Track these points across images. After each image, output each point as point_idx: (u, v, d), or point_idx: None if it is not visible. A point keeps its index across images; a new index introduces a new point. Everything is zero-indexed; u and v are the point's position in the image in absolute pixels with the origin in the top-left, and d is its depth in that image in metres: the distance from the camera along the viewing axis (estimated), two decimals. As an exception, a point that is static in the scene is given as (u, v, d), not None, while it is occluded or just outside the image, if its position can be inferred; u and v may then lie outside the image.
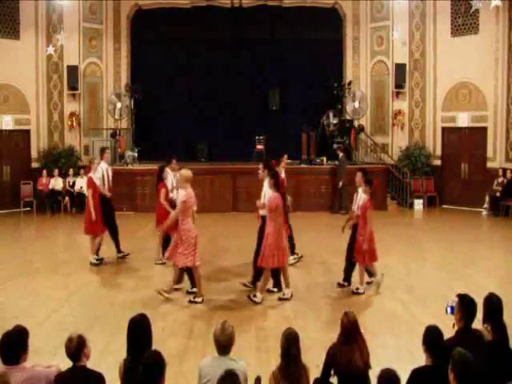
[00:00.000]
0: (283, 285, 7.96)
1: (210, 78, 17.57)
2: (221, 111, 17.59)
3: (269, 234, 7.57)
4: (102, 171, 9.85)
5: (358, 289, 8.08)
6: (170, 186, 9.47)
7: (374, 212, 9.71)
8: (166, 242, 9.38)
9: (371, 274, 8.23)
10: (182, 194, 7.53)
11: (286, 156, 9.93)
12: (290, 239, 9.36)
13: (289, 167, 15.80)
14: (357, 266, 8.23)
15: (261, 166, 8.63)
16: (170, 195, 9.34)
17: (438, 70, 16.54)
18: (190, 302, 7.72)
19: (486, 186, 15.31)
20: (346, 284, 8.34)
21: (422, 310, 7.33)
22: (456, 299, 4.44)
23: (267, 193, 7.94)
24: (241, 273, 9.23)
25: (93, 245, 9.79)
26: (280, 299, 7.84)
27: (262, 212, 8.15)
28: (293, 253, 9.57)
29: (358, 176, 8.24)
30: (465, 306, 4.35)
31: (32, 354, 4.20)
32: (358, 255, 8.02)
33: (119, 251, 10.19)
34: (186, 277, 8.10)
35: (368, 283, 8.25)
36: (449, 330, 4.39)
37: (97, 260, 9.79)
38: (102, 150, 10.31)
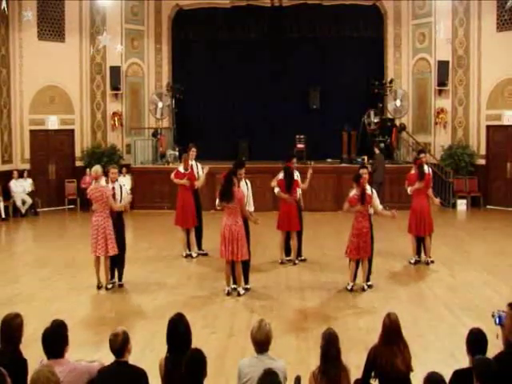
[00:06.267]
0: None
1: (249, 78, 17.59)
2: (260, 110, 17.60)
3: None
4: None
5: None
6: None
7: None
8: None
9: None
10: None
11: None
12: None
13: (328, 166, 15.99)
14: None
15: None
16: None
17: (482, 66, 16.07)
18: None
19: (533, 186, 14.89)
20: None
21: (467, 313, 7.20)
22: (506, 309, 4.18)
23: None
24: (277, 272, 9.22)
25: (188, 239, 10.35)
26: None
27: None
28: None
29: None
30: None
31: (76, 348, 4.29)
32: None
33: (200, 247, 10.60)
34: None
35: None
36: (493, 332, 4.27)
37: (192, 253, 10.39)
38: (189, 148, 10.73)
